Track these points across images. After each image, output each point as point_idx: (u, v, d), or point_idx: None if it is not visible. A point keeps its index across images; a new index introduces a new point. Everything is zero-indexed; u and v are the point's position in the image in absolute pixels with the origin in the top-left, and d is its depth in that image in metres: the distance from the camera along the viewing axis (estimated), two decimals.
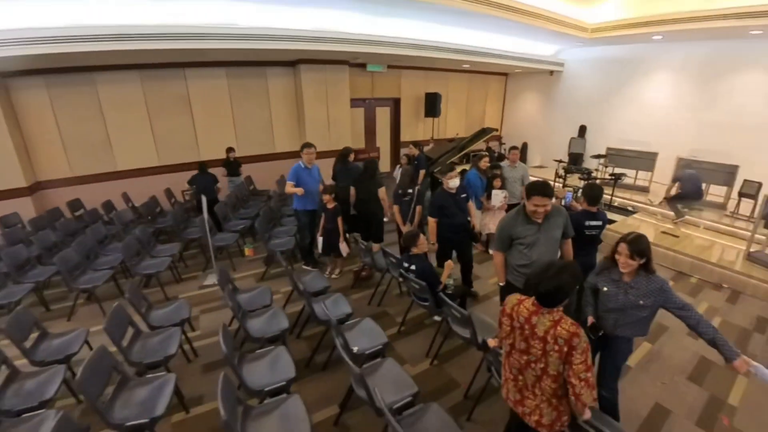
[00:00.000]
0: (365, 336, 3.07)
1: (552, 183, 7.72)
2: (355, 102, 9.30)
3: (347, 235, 5.17)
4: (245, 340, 3.29)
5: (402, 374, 2.61)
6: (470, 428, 2.71)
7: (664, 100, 8.69)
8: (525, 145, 11.80)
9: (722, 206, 6.84)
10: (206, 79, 7.51)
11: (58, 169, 6.67)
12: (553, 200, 2.86)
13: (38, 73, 6.11)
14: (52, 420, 1.97)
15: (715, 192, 7.01)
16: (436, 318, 3.82)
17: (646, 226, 6.37)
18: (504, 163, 5.63)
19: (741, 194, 6.41)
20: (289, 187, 4.83)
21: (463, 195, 4.13)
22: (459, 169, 6.04)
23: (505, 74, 12.25)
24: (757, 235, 5.09)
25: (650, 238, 2.46)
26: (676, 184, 6.26)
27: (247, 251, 5.89)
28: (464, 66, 10.12)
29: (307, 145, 4.92)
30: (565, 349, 1.68)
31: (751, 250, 5.05)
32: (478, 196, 5.26)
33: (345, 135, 8.90)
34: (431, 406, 2.32)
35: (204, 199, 4.97)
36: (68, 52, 4.86)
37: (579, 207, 3.69)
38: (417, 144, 7.23)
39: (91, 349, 2.87)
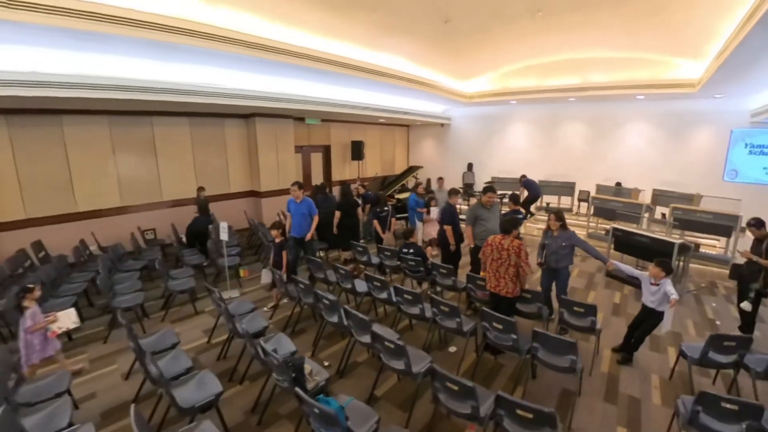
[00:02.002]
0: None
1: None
2: (295, 149, 10.87)
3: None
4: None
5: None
6: None
7: (522, 142, 12.42)
8: (428, 180, 14.68)
9: (569, 209, 10.27)
10: (171, 126, 8.23)
11: (11, 211, 6.43)
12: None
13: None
14: None
15: (564, 201, 10.46)
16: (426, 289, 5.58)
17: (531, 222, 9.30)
18: (434, 188, 7.94)
19: (579, 200, 9.88)
20: (288, 220, 5.95)
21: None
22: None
23: (407, 126, 15.23)
24: (591, 223, 8.24)
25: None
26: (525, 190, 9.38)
27: (243, 272, 6.81)
28: (380, 120, 12.62)
29: (293, 183, 5.89)
30: (517, 251, 3.71)
31: (590, 231, 8.16)
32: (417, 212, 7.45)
33: (291, 176, 10.31)
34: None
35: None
36: (37, 96, 4.98)
37: None
38: (363, 184, 9.19)
39: None
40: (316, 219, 5.90)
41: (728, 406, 2.34)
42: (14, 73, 4.72)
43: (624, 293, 5.96)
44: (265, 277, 5.37)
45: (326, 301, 3.87)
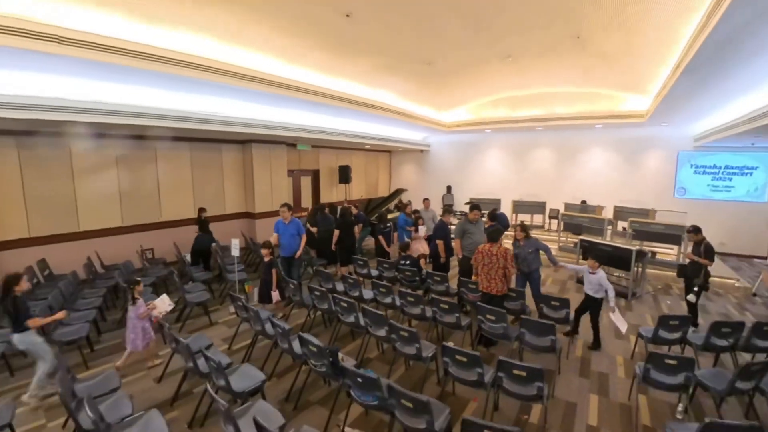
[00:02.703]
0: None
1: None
2: (287, 173, 11.48)
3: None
4: None
5: None
6: None
7: (497, 166, 13.50)
8: (410, 201, 15.49)
9: (541, 226, 11.25)
10: (172, 150, 8.69)
11: (16, 229, 6.62)
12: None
13: (10, 134, 6.37)
14: None
15: (537, 219, 11.44)
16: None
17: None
18: (421, 209, 8.70)
19: (550, 217, 10.87)
20: (273, 237, 6.17)
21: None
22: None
23: (390, 151, 16.15)
24: (561, 237, 9.17)
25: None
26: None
27: (248, 288, 7.24)
28: (366, 146, 13.45)
29: (282, 205, 6.21)
30: (504, 255, 4.45)
31: (560, 244, 9.06)
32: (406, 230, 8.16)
33: (283, 198, 10.87)
34: None
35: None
36: (45, 119, 5.28)
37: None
38: (355, 206, 9.85)
39: None
40: (304, 238, 6.18)
41: (669, 361, 3.08)
42: (24, 97, 4.98)
43: None
44: (256, 295, 5.55)
45: (344, 304, 4.44)
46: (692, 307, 5.24)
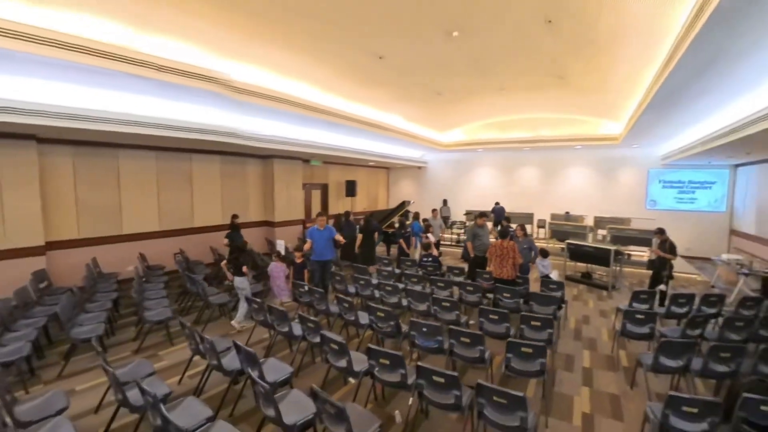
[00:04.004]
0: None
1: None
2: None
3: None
4: None
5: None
6: None
7: (488, 181, 14.93)
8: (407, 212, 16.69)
9: (530, 234, 12.55)
10: (204, 162, 9.62)
11: (67, 230, 7.18)
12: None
13: (67, 143, 7.01)
14: None
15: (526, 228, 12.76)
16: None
17: None
18: (429, 217, 9.91)
19: (538, 227, 12.21)
20: (307, 244, 6.49)
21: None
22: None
23: (388, 168, 17.42)
24: (548, 244, 10.46)
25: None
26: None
27: None
28: (370, 163, 14.68)
29: (318, 214, 6.68)
30: (513, 248, 5.67)
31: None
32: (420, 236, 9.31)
33: (299, 209, 11.96)
34: None
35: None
36: (98, 130, 5.76)
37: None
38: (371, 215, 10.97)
39: None
40: (340, 237, 6.61)
41: (639, 316, 4.28)
42: (84, 109, 5.45)
43: (579, 288, 8.10)
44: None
45: (388, 288, 5.52)
46: (663, 295, 6.52)
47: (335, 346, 3.44)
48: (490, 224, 10.18)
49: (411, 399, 3.18)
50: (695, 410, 2.68)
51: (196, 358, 4.15)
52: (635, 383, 4.06)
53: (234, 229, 9.03)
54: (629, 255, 9.34)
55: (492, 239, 6.95)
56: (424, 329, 3.89)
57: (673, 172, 11.87)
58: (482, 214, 7.15)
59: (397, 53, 6.40)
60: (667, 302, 5.40)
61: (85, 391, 3.95)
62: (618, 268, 8.19)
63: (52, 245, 6.90)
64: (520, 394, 2.53)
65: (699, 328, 4.35)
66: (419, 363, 2.96)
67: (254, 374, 3.03)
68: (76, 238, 7.34)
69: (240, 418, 3.51)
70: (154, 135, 6.37)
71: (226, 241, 8.61)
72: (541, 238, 12.16)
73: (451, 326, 3.89)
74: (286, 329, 4.36)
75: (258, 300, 4.85)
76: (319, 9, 4.83)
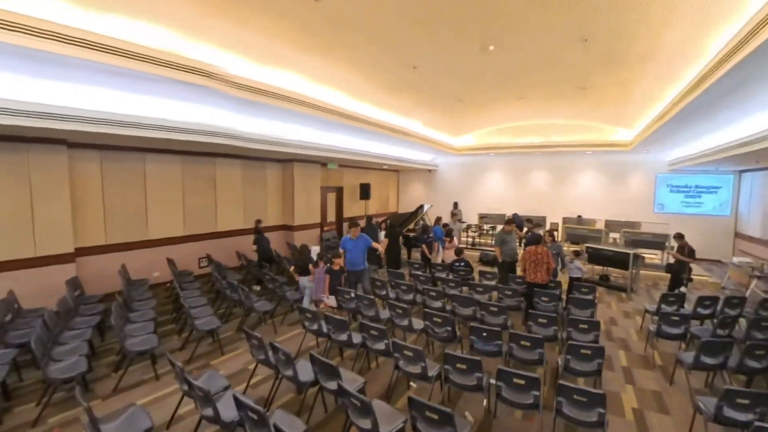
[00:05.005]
0: None
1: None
2: None
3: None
4: None
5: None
6: None
7: (500, 185, 15.29)
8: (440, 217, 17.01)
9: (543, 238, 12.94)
10: (226, 167, 9.74)
11: (95, 236, 7.16)
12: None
13: (95, 147, 7.00)
14: None
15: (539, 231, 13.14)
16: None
17: None
18: (449, 221, 10.26)
19: (552, 230, 12.58)
20: (340, 258, 6.37)
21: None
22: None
23: (398, 171, 17.72)
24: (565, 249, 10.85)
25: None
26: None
27: None
28: (383, 166, 14.96)
29: (352, 224, 6.60)
30: (546, 253, 6.00)
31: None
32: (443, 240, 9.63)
33: (317, 213, 12.21)
34: None
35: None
36: (131, 135, 5.64)
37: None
38: (388, 219, 11.27)
39: None
40: (378, 245, 6.92)
41: (674, 318, 4.63)
42: (116, 114, 5.39)
43: (599, 291, 8.43)
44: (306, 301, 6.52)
45: (432, 293, 5.82)
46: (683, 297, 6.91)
47: (409, 353, 3.72)
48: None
49: (485, 401, 3.50)
50: (747, 401, 3.03)
51: (251, 365, 4.33)
52: (673, 381, 4.43)
53: (259, 233, 9.29)
54: (643, 258, 9.74)
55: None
56: (484, 333, 4.21)
57: (681, 177, 12.31)
58: (510, 221, 7.49)
59: (430, 63, 6.65)
60: (693, 304, 5.76)
61: (148, 405, 3.83)
62: (635, 271, 8.57)
63: (80, 252, 6.88)
64: (600, 391, 2.85)
65: (728, 328, 4.72)
66: (500, 367, 3.27)
67: (332, 386, 3.29)
68: (103, 244, 7.33)
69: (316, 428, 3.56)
70: (183, 140, 6.37)
71: (254, 247, 8.89)
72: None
73: (511, 330, 4.23)
74: (344, 338, 4.46)
75: (313, 309, 5.06)
76: (363, 23, 5.03)
